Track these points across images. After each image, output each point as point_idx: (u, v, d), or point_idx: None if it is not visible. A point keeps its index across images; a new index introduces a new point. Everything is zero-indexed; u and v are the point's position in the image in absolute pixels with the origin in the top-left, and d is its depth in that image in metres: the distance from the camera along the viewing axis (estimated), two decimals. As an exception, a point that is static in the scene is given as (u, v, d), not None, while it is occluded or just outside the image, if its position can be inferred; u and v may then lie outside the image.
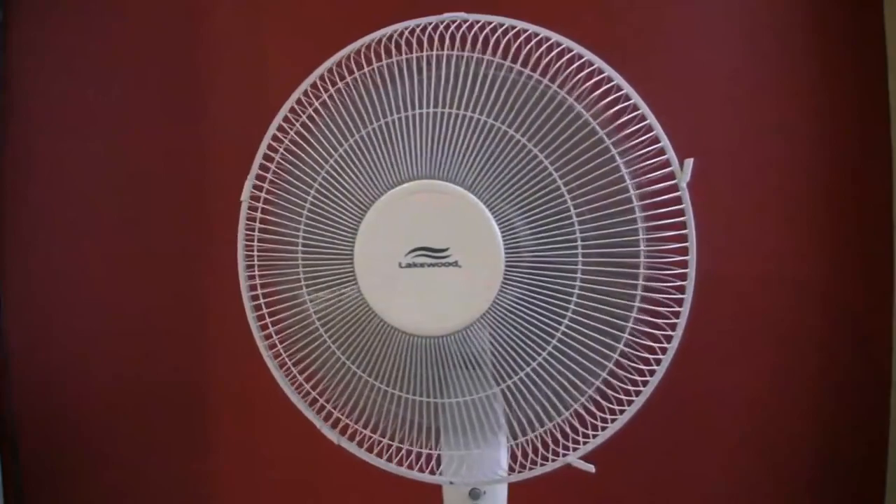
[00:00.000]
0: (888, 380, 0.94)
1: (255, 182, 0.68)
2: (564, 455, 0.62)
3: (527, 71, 0.59)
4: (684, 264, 0.59)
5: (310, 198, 0.64)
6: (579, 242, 0.58)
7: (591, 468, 0.61)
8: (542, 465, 0.63)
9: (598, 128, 0.58)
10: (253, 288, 0.68)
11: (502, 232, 0.58)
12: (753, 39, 0.97)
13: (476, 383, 0.62)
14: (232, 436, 1.18)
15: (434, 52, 0.61)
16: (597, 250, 0.59)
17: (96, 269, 1.21)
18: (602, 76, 0.59)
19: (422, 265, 0.60)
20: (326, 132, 0.64)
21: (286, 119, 0.66)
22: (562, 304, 0.59)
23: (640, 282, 0.58)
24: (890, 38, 0.92)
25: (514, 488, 0.69)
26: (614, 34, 1.00)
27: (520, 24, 0.60)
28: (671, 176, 0.58)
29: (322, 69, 0.65)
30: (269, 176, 0.68)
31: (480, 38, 0.60)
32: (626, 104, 0.58)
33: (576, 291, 0.59)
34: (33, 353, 1.24)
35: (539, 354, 0.60)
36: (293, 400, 0.68)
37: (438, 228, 0.59)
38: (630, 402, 0.60)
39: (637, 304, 0.59)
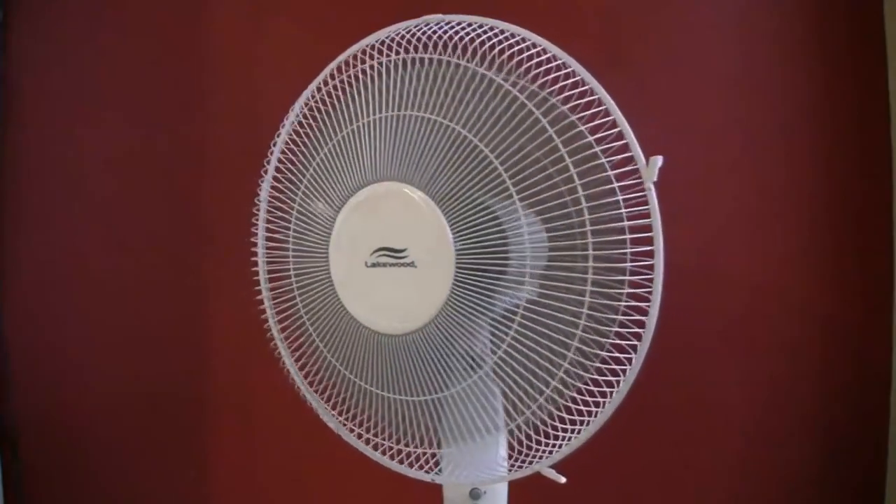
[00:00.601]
0: (888, 380, 0.94)
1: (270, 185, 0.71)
2: (537, 462, 0.61)
3: (481, 70, 0.59)
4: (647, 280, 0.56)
5: (298, 199, 0.67)
6: (527, 245, 0.57)
7: (561, 479, 0.61)
8: (517, 470, 0.62)
9: (547, 126, 0.56)
10: (270, 280, 0.72)
11: (454, 233, 0.58)
12: (753, 39, 0.97)
13: (440, 380, 0.62)
14: (230, 434, 1.18)
15: (402, 56, 0.62)
16: (548, 252, 0.58)
17: (96, 270, 1.21)
18: (566, 71, 0.57)
19: (384, 265, 0.61)
20: (312, 138, 0.67)
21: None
22: (511, 309, 0.59)
23: (589, 287, 0.57)
24: (890, 38, 0.92)
25: (514, 488, 0.69)
26: (609, 35, 1.00)
27: (491, 22, 0.60)
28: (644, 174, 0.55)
29: (322, 76, 0.67)
30: (268, 178, 0.71)
31: (437, 39, 0.60)
32: (591, 98, 0.56)
33: (524, 295, 0.58)
34: (33, 353, 1.24)
35: (486, 363, 0.60)
36: (299, 384, 0.70)
37: (398, 229, 0.61)
38: (598, 413, 0.58)
39: (586, 310, 0.57)
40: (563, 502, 0.97)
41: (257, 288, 0.72)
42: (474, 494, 0.68)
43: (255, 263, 0.72)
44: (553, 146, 0.56)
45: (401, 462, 0.67)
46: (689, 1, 0.99)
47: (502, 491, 0.69)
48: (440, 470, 0.65)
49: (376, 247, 0.61)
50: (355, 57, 0.65)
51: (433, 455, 0.66)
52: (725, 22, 0.98)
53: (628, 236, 0.55)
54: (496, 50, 0.58)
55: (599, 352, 0.58)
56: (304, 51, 1.05)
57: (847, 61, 0.95)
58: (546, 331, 0.58)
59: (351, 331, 0.65)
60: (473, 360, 0.61)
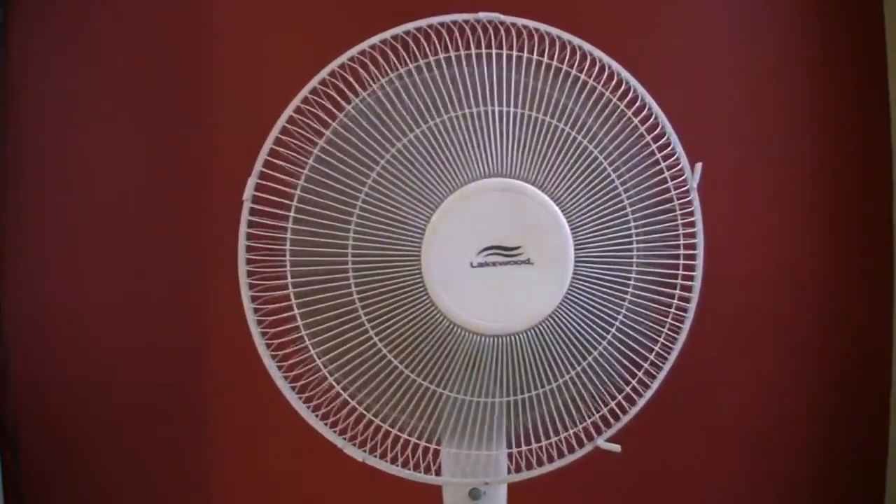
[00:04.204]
0: (888, 380, 0.94)
1: (257, 181, 0.65)
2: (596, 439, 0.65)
3: (574, 72, 0.63)
4: (692, 265, 0.64)
5: (361, 196, 0.61)
6: (634, 237, 0.62)
7: (616, 448, 0.64)
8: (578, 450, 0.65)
9: (645, 133, 0.63)
10: (253, 287, 0.64)
11: (571, 228, 0.61)
12: (754, 40, 0.97)
13: (545, 377, 0.63)
14: (231, 436, 1.18)
15: (482, 51, 0.62)
16: (645, 244, 0.63)
17: (96, 270, 1.21)
18: (620, 79, 0.64)
19: (494, 264, 0.60)
20: (374, 131, 0.61)
21: (298, 111, 0.63)
22: (620, 294, 0.63)
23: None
24: (890, 38, 0.92)
25: (513, 488, 0.69)
26: (617, 36, 1.00)
27: (551, 30, 0.63)
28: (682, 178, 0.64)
29: (334, 64, 0.63)
30: (273, 174, 0.65)
31: (501, 37, 0.62)
32: (638, 104, 0.63)
33: (631, 283, 0.63)
34: (33, 353, 1.24)
35: (599, 344, 0.63)
36: (307, 419, 0.66)
37: (510, 227, 0.60)
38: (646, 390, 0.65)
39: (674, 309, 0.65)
40: (560, 502, 0.97)
41: (255, 291, 0.65)
42: (474, 494, 0.68)
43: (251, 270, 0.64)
44: (650, 151, 0.63)
45: (405, 465, 0.66)
46: (689, 3, 0.99)
47: (502, 491, 0.69)
48: (452, 471, 0.65)
49: (485, 245, 0.60)
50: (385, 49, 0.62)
51: (434, 456, 0.65)
52: (726, 24, 0.98)
53: (682, 242, 0.64)
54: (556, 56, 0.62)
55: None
56: (308, 51, 1.05)
57: (847, 61, 0.95)
58: (649, 312, 0.64)
59: (444, 336, 0.61)
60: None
